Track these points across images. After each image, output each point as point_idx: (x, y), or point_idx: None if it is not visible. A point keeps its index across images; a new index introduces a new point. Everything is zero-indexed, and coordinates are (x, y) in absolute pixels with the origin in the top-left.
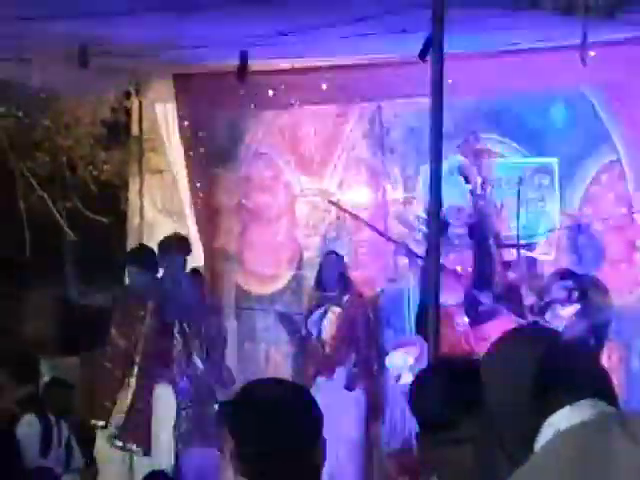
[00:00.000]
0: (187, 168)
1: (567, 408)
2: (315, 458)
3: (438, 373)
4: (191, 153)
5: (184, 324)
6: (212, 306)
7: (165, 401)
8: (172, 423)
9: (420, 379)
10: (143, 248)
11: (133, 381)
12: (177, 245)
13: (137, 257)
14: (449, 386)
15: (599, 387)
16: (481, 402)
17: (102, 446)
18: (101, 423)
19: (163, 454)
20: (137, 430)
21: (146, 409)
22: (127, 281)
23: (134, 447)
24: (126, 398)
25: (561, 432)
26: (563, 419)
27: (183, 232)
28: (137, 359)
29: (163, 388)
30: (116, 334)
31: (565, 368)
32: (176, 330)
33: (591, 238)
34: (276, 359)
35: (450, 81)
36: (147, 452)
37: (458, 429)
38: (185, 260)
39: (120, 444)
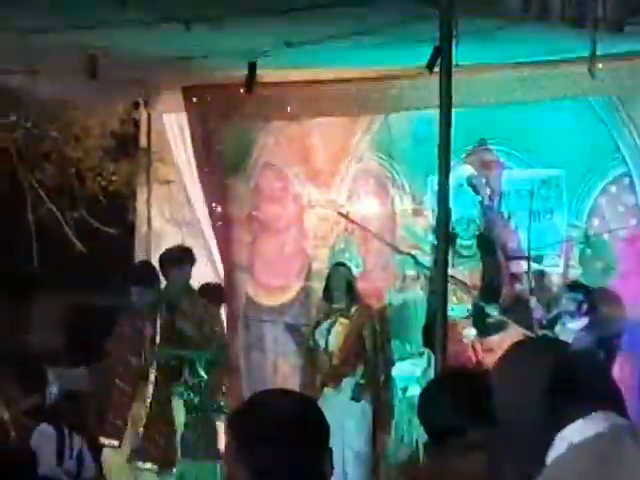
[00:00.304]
0: (200, 180)
1: (579, 421)
2: (322, 469)
3: (446, 382)
4: (198, 164)
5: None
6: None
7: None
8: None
9: (429, 388)
10: (145, 265)
11: (148, 399)
12: (181, 257)
13: (140, 275)
14: (457, 395)
15: (610, 399)
16: (489, 411)
17: (113, 464)
18: (115, 443)
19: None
20: (158, 449)
21: (166, 426)
22: (132, 299)
23: (156, 467)
24: (140, 416)
25: (574, 445)
26: (576, 432)
27: (191, 243)
28: (151, 376)
29: (178, 404)
30: (124, 351)
31: (576, 381)
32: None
33: (600, 250)
34: (284, 370)
35: (458, 93)
36: (170, 470)
37: (466, 437)
38: (189, 272)
39: (143, 465)
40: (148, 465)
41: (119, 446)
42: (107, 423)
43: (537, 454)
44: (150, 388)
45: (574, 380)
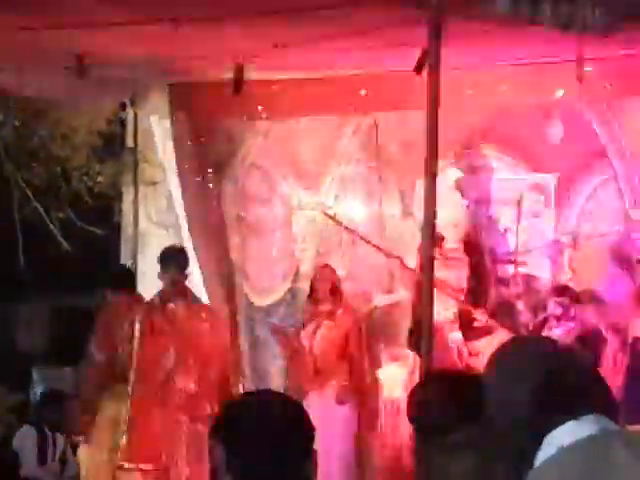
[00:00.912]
0: (180, 179)
1: (569, 424)
2: (307, 471)
3: (434, 382)
4: (186, 164)
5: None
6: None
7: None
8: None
9: (417, 388)
10: (122, 269)
11: (128, 400)
12: (177, 257)
13: (118, 278)
14: (445, 394)
15: (601, 403)
16: (476, 412)
17: (88, 462)
18: (81, 437)
19: None
20: (145, 448)
21: (149, 426)
22: (108, 300)
23: (146, 466)
24: (123, 416)
25: (564, 447)
26: (566, 435)
27: (177, 243)
28: (131, 377)
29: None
30: (98, 351)
31: (567, 383)
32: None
33: (587, 254)
34: (271, 371)
35: (446, 95)
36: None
37: (453, 435)
38: (185, 272)
39: (130, 466)
40: (132, 465)
41: (85, 442)
42: (78, 420)
43: (527, 454)
44: (130, 388)
45: (565, 382)
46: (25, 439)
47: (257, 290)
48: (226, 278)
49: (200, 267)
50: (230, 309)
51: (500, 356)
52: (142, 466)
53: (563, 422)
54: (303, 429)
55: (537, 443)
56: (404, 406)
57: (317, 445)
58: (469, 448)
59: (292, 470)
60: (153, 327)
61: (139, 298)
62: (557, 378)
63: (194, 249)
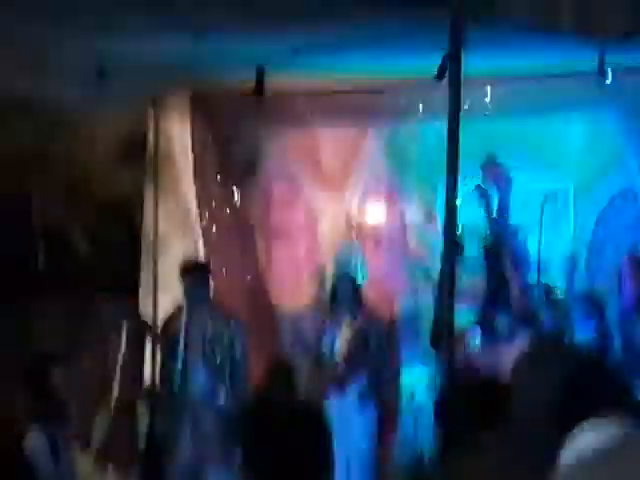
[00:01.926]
0: (199, 186)
1: (593, 424)
2: (324, 474)
3: (461, 386)
4: (207, 171)
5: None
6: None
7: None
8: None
9: (444, 392)
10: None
11: (111, 402)
12: (195, 272)
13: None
14: (471, 397)
15: (623, 403)
16: (500, 413)
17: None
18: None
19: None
20: (120, 450)
21: (128, 428)
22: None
23: (117, 468)
24: (106, 419)
25: (587, 449)
26: (590, 435)
27: (197, 248)
28: (116, 379)
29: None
30: (89, 355)
31: (590, 385)
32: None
33: (604, 263)
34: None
35: (468, 102)
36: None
37: (478, 437)
38: (206, 286)
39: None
40: (110, 467)
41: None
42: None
43: (551, 455)
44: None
45: (590, 383)
46: (35, 441)
47: (286, 295)
48: (257, 282)
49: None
50: (268, 310)
51: (526, 358)
52: None
53: (585, 425)
54: (321, 434)
55: (561, 444)
56: (425, 410)
57: (338, 449)
58: (494, 450)
59: (310, 472)
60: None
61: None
62: (581, 380)
63: (210, 255)
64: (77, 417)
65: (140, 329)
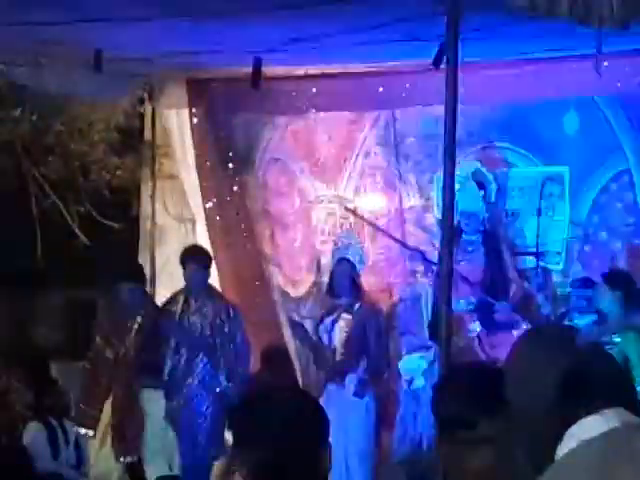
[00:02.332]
0: (199, 173)
1: (591, 417)
2: (321, 464)
3: (460, 376)
4: (206, 159)
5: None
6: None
7: (154, 408)
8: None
9: (443, 381)
10: (133, 263)
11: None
12: (194, 255)
13: (128, 272)
14: (470, 388)
15: (623, 397)
16: (501, 405)
17: (96, 457)
18: (90, 432)
19: (157, 462)
20: (126, 440)
21: (134, 418)
22: (117, 294)
23: (128, 458)
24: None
25: (585, 441)
26: (587, 428)
27: (194, 239)
28: (123, 370)
29: (151, 393)
30: (103, 344)
31: (589, 376)
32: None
33: (599, 247)
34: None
35: (464, 89)
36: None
37: (477, 429)
38: (204, 269)
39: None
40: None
41: (94, 436)
42: (84, 413)
43: (549, 444)
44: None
45: (589, 374)
46: (33, 435)
47: (290, 281)
48: (259, 270)
49: (216, 261)
50: (268, 301)
51: (523, 346)
52: None
53: (584, 416)
54: (317, 422)
55: (558, 436)
56: (424, 396)
57: (336, 438)
58: (493, 443)
59: (305, 462)
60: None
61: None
62: (580, 370)
63: (212, 244)
64: (81, 408)
65: (154, 317)
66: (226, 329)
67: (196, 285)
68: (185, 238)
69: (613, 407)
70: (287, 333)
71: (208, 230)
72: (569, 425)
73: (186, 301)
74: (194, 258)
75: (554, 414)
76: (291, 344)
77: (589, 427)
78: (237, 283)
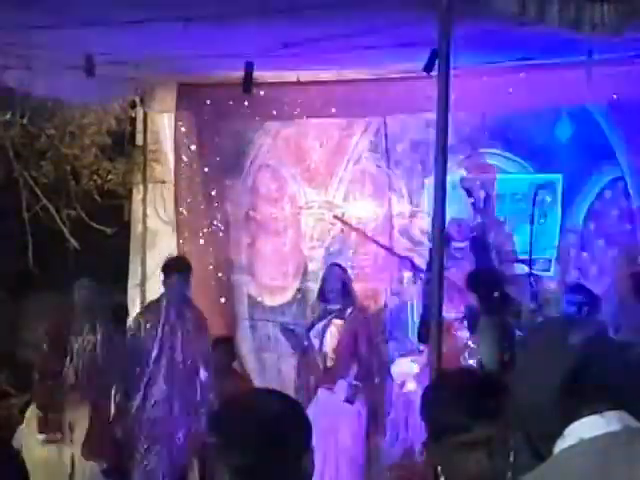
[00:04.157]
0: (175, 177)
1: (593, 417)
2: (302, 467)
3: (449, 380)
4: (185, 163)
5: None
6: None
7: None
8: None
9: (432, 386)
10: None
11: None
12: (178, 266)
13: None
14: (459, 393)
15: (626, 400)
16: (490, 409)
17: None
18: (57, 437)
19: None
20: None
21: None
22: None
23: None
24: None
25: (585, 440)
26: (588, 428)
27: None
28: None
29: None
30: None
31: (594, 375)
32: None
33: (594, 254)
34: (283, 370)
35: (455, 96)
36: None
37: (468, 433)
38: (186, 281)
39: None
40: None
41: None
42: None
43: (552, 438)
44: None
45: (594, 373)
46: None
47: (268, 290)
48: (227, 279)
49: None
50: (229, 310)
51: (536, 335)
52: None
53: (587, 415)
54: (299, 426)
55: (558, 432)
56: (416, 400)
57: (327, 443)
58: (483, 447)
59: (288, 467)
60: None
61: None
62: (586, 369)
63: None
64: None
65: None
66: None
67: (175, 298)
68: (176, 242)
69: (616, 410)
70: (245, 350)
71: (177, 236)
72: (570, 422)
73: (167, 309)
74: (173, 273)
75: (557, 410)
76: (250, 360)
77: (590, 426)
78: (201, 292)
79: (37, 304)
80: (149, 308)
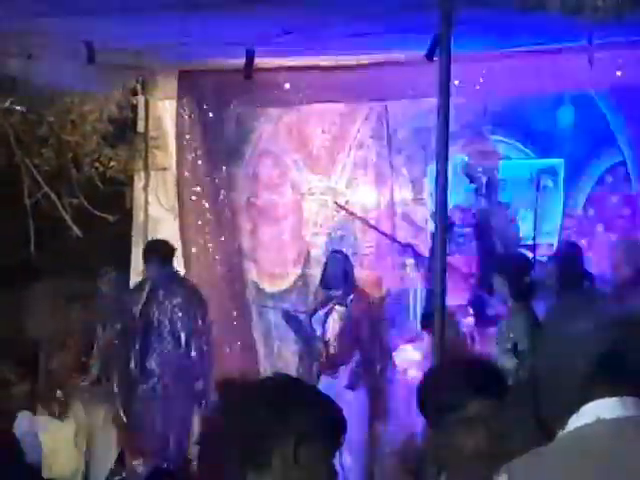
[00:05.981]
0: (182, 165)
1: (612, 399)
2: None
3: (447, 364)
4: (187, 150)
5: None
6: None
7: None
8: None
9: (429, 371)
10: None
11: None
12: (162, 250)
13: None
14: (457, 372)
15: None
16: (487, 392)
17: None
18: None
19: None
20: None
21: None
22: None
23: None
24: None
25: (603, 420)
26: (605, 409)
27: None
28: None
29: None
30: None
31: (621, 356)
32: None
33: (595, 239)
34: (286, 356)
35: (457, 82)
36: None
37: (465, 411)
38: (169, 265)
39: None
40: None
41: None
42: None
43: (565, 415)
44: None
45: (621, 355)
46: (22, 425)
47: (268, 276)
48: (235, 264)
49: (184, 254)
50: (239, 295)
51: (562, 313)
52: None
53: (606, 396)
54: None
55: (573, 410)
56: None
57: None
58: (481, 421)
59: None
60: None
61: None
62: (612, 350)
63: (182, 236)
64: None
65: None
66: (191, 313)
67: (156, 280)
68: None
69: (634, 396)
70: (256, 334)
71: (179, 223)
72: (587, 401)
73: (151, 290)
74: (152, 253)
75: (579, 391)
76: (260, 344)
77: (608, 407)
78: (207, 278)
79: (39, 291)
80: (132, 292)
